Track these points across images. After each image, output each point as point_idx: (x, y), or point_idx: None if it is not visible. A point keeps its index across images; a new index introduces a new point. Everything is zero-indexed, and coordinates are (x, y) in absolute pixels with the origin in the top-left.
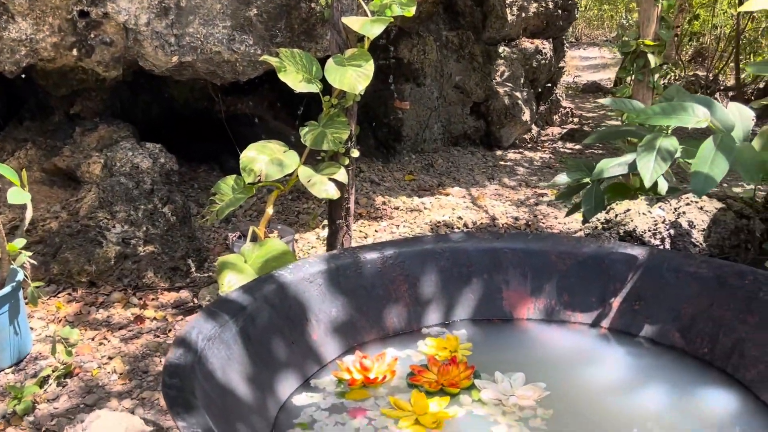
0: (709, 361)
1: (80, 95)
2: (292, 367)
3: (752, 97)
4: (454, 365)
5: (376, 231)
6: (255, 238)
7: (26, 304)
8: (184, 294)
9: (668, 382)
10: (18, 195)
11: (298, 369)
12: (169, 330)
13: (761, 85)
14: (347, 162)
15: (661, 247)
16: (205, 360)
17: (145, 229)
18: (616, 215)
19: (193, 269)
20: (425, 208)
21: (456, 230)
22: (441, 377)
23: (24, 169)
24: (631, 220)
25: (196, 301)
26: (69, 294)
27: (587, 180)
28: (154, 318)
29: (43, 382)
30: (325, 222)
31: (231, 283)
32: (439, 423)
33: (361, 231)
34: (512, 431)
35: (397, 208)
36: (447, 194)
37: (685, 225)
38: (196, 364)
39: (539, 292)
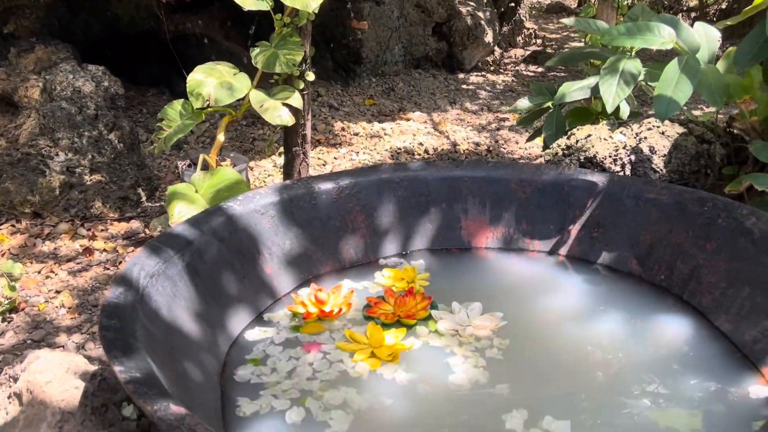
0: (666, 287)
1: (14, 13)
2: (243, 302)
3: (714, 18)
4: (410, 296)
5: (335, 158)
6: (206, 167)
7: None
8: (135, 224)
9: (625, 308)
10: None
11: (251, 304)
12: (120, 262)
13: (723, 6)
14: (302, 86)
15: (622, 173)
16: (149, 298)
17: (90, 157)
18: (577, 141)
19: (143, 199)
20: (386, 134)
21: (417, 157)
22: (398, 309)
23: None
24: (592, 146)
25: (147, 231)
26: (12, 226)
27: (549, 104)
28: (104, 249)
29: None
30: (282, 149)
31: (181, 214)
32: (395, 355)
33: (319, 158)
34: (468, 362)
35: (356, 135)
36: (408, 119)
37: (646, 150)
38: (137, 303)
39: (498, 220)
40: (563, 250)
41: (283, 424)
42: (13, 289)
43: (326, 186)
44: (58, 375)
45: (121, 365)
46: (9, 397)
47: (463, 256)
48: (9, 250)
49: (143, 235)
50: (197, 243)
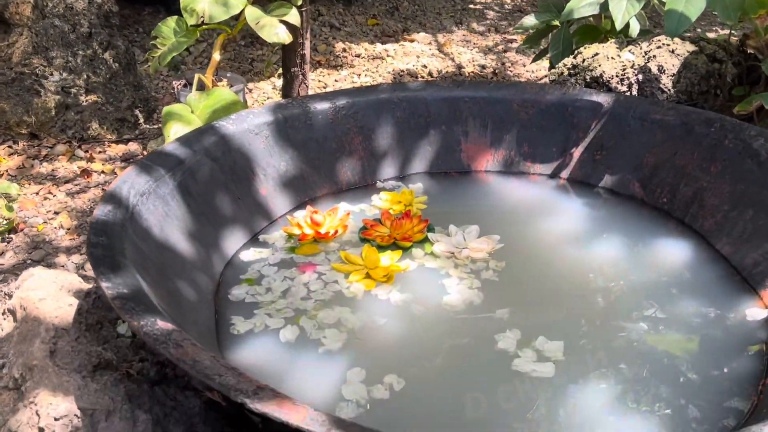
0: (667, 211)
1: None
2: (238, 222)
3: None
4: (407, 219)
5: (336, 81)
6: (202, 87)
7: None
8: (133, 146)
9: (625, 232)
10: None
11: (246, 225)
12: None
13: None
14: (300, 2)
15: (628, 93)
16: (139, 216)
17: (85, 77)
18: (584, 60)
19: (141, 120)
20: (388, 56)
21: (420, 80)
22: (394, 231)
23: None
24: (599, 65)
25: (145, 153)
26: (9, 147)
27: (556, 22)
28: (102, 171)
29: None
30: (281, 71)
31: (177, 135)
32: (389, 276)
33: (319, 81)
34: (463, 283)
35: (358, 56)
36: (412, 40)
37: (654, 70)
38: (127, 221)
39: (499, 143)
40: (565, 173)
41: (277, 342)
42: (10, 209)
43: (322, 106)
44: (52, 292)
45: (108, 281)
46: (3, 314)
47: (462, 180)
48: (7, 171)
49: (141, 157)
50: (189, 162)
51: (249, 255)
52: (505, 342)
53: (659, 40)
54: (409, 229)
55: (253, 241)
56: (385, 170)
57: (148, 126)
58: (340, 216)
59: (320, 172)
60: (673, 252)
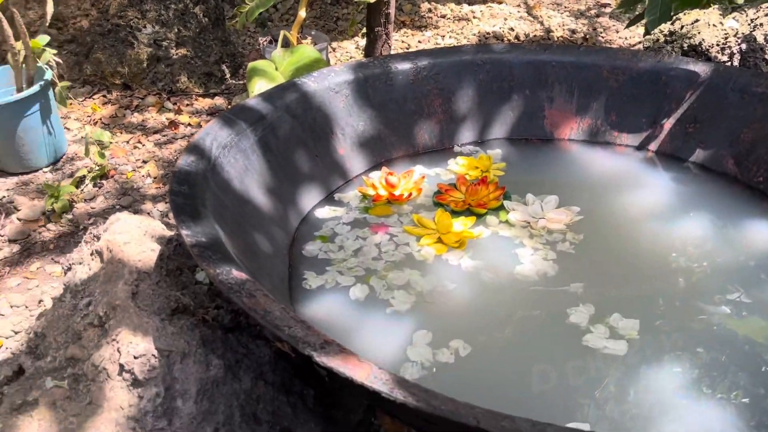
0: (762, 190)
1: None
2: (315, 180)
3: None
4: (483, 185)
5: (419, 42)
6: (287, 44)
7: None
8: (219, 101)
9: (714, 210)
10: None
11: (322, 182)
12: None
13: None
14: None
15: (729, 63)
16: (220, 168)
17: (176, 30)
18: (682, 26)
19: (227, 75)
20: (474, 17)
21: (505, 42)
22: (469, 197)
23: None
24: (698, 33)
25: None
26: (104, 96)
27: None
28: (188, 124)
29: (79, 183)
30: (365, 30)
31: (261, 90)
32: (462, 242)
33: (403, 42)
34: (537, 254)
35: (443, 17)
36: (500, 2)
37: (760, 39)
38: (208, 172)
39: (585, 110)
40: (653, 146)
41: (347, 300)
42: (102, 156)
43: (403, 66)
44: (136, 237)
45: (188, 229)
46: (92, 254)
47: (543, 147)
48: (101, 119)
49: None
50: (270, 117)
51: (324, 212)
52: (578, 316)
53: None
54: (485, 196)
55: (329, 199)
56: (464, 134)
57: (234, 81)
58: (415, 179)
59: (398, 134)
60: (765, 234)
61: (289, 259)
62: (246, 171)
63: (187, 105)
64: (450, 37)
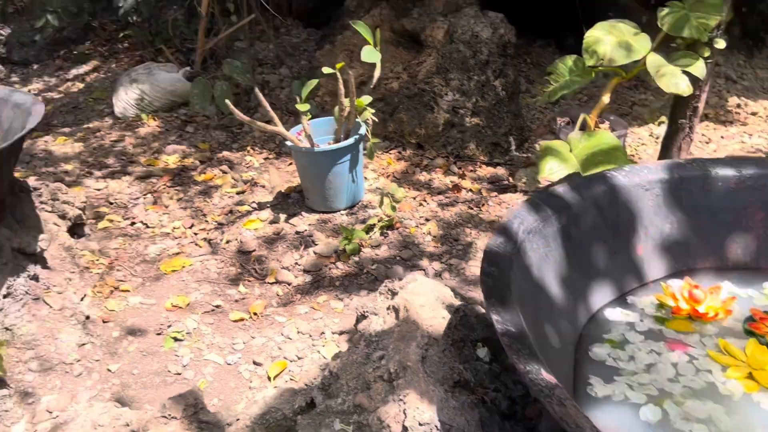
0: None
1: None
2: (609, 277)
3: None
4: None
5: (722, 137)
6: (584, 127)
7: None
8: (501, 171)
9: None
10: (371, 54)
11: (616, 281)
12: (482, 204)
13: None
14: (708, 54)
15: None
16: (524, 253)
17: (474, 100)
18: None
19: (513, 147)
20: None
21: None
22: None
23: (378, 28)
24: None
25: (511, 180)
26: (399, 152)
27: None
28: (470, 189)
29: (369, 229)
30: (663, 118)
31: (552, 171)
32: None
33: (704, 135)
34: None
35: (754, 114)
36: None
37: None
38: (514, 255)
39: None
40: None
41: (636, 419)
42: (393, 209)
43: (725, 172)
44: (430, 301)
45: (498, 315)
46: (388, 309)
47: None
48: (393, 173)
49: (507, 182)
50: (575, 207)
51: (615, 314)
52: None
53: None
54: None
55: (620, 300)
56: None
57: (517, 153)
58: (724, 298)
59: (706, 243)
60: None
61: (575, 358)
62: (544, 258)
63: (471, 171)
64: (759, 136)
